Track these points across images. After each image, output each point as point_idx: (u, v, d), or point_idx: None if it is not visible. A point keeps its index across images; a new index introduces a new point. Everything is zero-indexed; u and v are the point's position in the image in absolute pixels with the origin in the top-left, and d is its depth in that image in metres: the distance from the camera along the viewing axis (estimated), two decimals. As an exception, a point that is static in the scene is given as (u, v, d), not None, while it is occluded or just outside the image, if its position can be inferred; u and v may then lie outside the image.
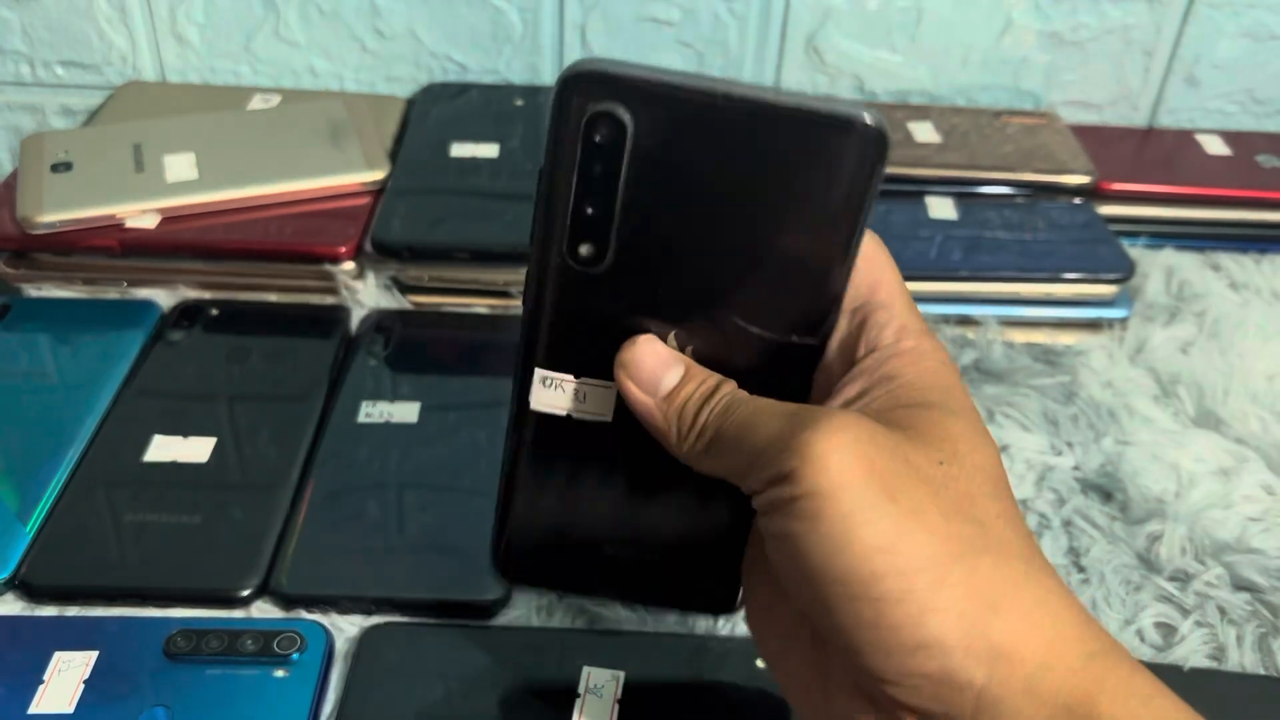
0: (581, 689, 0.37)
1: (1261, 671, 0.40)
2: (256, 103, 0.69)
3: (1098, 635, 0.25)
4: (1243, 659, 0.41)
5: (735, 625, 0.40)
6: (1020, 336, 0.57)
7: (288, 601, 0.41)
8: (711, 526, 0.33)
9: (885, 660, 0.24)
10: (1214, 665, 0.41)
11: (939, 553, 0.24)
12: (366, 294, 0.56)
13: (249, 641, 0.38)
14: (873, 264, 0.29)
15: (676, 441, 0.29)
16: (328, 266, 0.56)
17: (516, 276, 0.56)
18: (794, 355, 0.29)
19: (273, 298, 0.56)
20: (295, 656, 0.38)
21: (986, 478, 0.26)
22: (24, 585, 0.41)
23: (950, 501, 0.25)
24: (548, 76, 0.72)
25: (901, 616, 0.23)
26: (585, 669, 0.38)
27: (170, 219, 0.57)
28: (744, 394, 0.28)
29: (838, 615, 0.24)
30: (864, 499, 0.24)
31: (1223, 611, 0.42)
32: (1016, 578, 0.24)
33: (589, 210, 0.27)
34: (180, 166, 0.59)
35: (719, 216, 0.27)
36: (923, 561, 0.24)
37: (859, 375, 0.28)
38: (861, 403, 0.28)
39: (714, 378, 0.29)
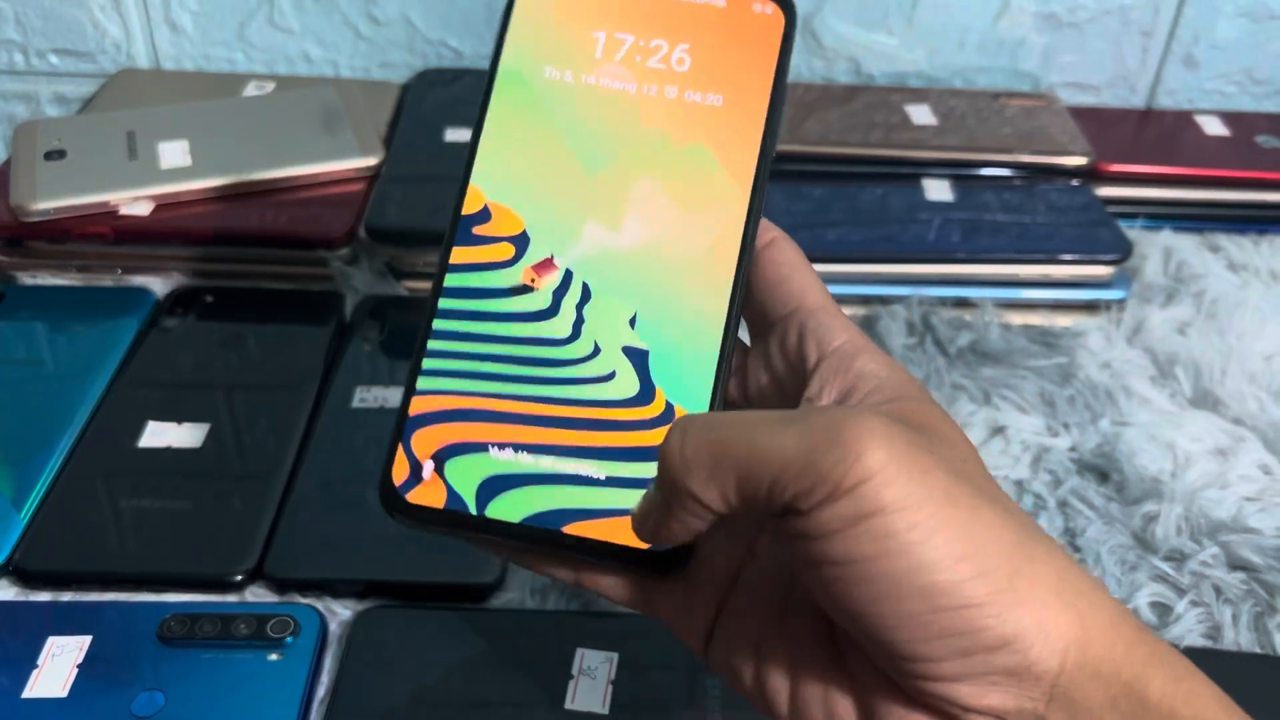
0: (575, 671, 0.37)
1: (1257, 650, 0.40)
2: (251, 90, 0.69)
3: (1132, 616, 0.25)
4: (1238, 638, 0.41)
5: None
6: (1018, 318, 0.57)
7: (281, 585, 0.41)
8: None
9: (965, 664, 0.23)
10: (1210, 644, 0.41)
11: (1005, 546, 0.23)
12: (361, 280, 0.56)
13: (243, 625, 0.38)
14: (796, 271, 0.30)
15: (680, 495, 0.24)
16: (322, 252, 0.56)
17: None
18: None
19: (267, 284, 0.56)
20: (289, 640, 0.38)
21: (986, 468, 0.27)
22: (18, 571, 0.41)
23: (988, 495, 0.24)
24: (543, 61, 0.72)
25: (986, 618, 0.23)
26: (579, 651, 0.38)
27: (164, 206, 0.57)
28: (706, 414, 0.26)
29: (915, 629, 0.23)
30: (930, 509, 0.23)
31: (1218, 591, 0.42)
32: (1065, 563, 0.24)
33: None
34: (174, 153, 0.58)
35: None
36: (998, 559, 0.23)
37: (828, 377, 0.28)
38: (852, 402, 0.27)
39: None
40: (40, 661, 0.37)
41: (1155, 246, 0.61)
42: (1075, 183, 0.63)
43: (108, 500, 0.43)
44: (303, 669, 0.37)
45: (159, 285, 0.56)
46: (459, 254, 0.30)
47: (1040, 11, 0.69)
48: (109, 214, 0.56)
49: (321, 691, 0.37)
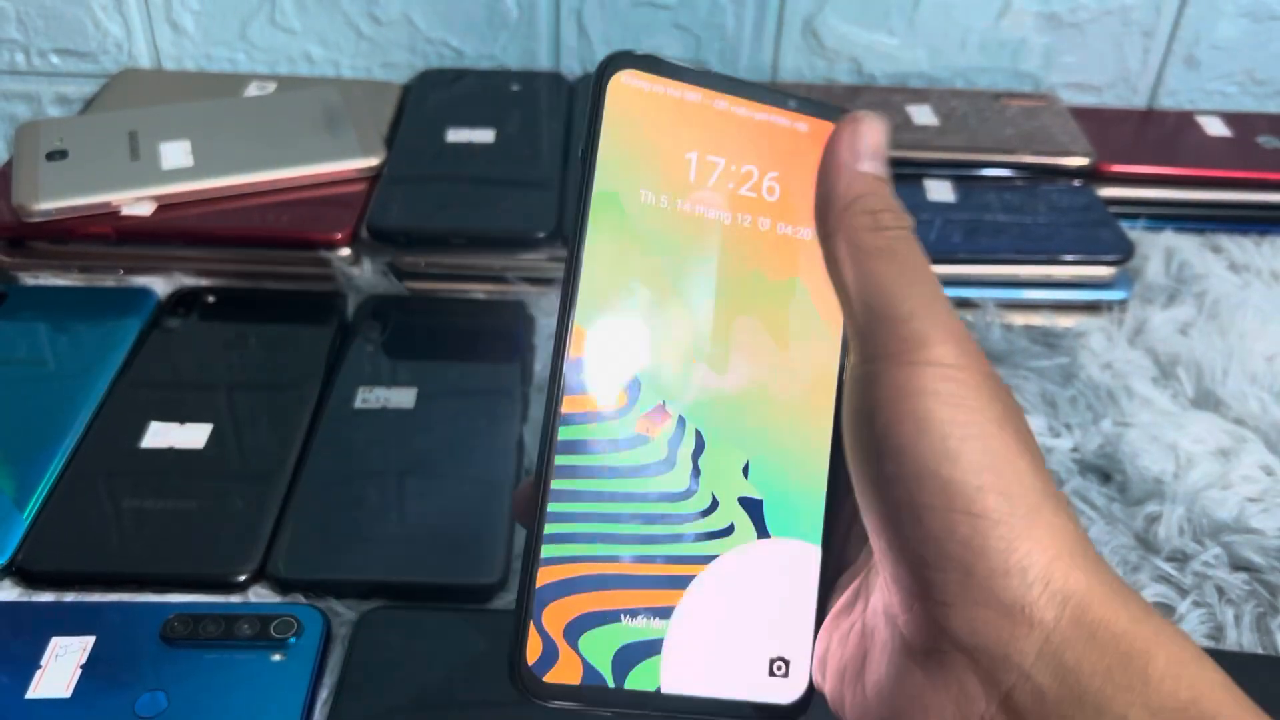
0: (578, 671, 0.37)
1: (1259, 651, 0.40)
2: (252, 90, 0.69)
3: (1142, 599, 0.25)
4: (1240, 639, 0.41)
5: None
6: (1019, 319, 0.57)
7: (284, 586, 0.41)
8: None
9: (965, 583, 0.23)
10: (1212, 645, 0.41)
11: (1034, 487, 0.24)
12: (363, 280, 0.56)
13: (246, 626, 0.38)
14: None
15: (842, 212, 0.26)
16: (324, 253, 0.56)
17: (512, 261, 0.56)
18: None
19: (269, 284, 0.56)
20: (292, 641, 0.38)
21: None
22: (21, 571, 0.41)
23: (1033, 451, 0.25)
24: (544, 61, 0.72)
25: (996, 538, 0.23)
26: (582, 652, 0.38)
27: (166, 206, 0.57)
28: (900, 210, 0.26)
29: (928, 526, 0.23)
30: (976, 418, 0.24)
31: (1221, 591, 0.42)
32: (1082, 533, 0.25)
33: None
34: (176, 154, 0.58)
35: None
36: (1023, 490, 0.24)
37: None
38: None
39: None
40: (44, 662, 0.37)
41: (1157, 247, 0.61)
42: (1077, 183, 0.63)
43: (110, 501, 0.43)
44: (306, 670, 0.37)
45: (161, 285, 0.56)
46: (571, 404, 0.28)
47: (1041, 12, 0.69)
48: (111, 214, 0.56)
49: (325, 692, 0.37)
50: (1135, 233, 0.61)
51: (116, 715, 0.36)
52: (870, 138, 0.27)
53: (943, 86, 0.72)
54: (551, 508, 0.27)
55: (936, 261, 0.56)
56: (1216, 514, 0.45)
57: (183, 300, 0.54)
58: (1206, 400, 0.52)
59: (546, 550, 0.27)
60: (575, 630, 0.27)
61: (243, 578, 0.41)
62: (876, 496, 0.24)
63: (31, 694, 0.36)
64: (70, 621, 0.39)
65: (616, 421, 0.28)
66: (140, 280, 0.56)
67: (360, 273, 0.56)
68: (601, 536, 0.27)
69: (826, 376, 0.30)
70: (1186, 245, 0.62)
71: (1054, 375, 0.52)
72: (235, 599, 0.41)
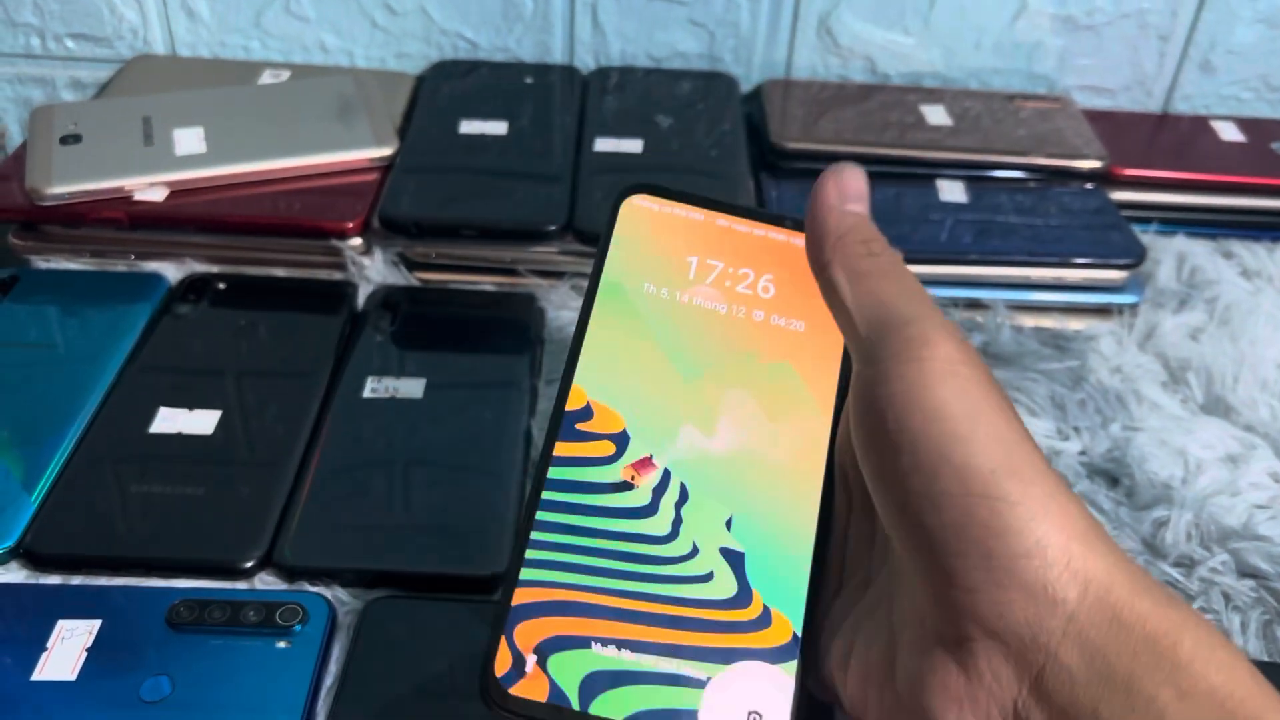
0: (582, 665, 0.37)
1: (1265, 659, 0.40)
2: (266, 78, 0.69)
3: (1164, 585, 0.25)
4: (1247, 646, 0.40)
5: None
6: (1029, 321, 0.57)
7: (291, 573, 0.41)
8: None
9: (987, 566, 0.23)
10: (1217, 651, 0.40)
11: (1045, 471, 0.24)
12: (373, 270, 0.56)
13: (251, 612, 0.38)
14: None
15: (836, 243, 0.28)
16: (335, 242, 0.56)
17: (523, 254, 0.56)
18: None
19: (280, 272, 0.56)
20: (297, 628, 0.38)
21: None
22: (28, 554, 0.41)
23: (1035, 442, 0.26)
24: (558, 55, 0.72)
25: (1014, 520, 0.23)
26: (586, 645, 0.38)
27: (179, 192, 0.57)
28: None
29: (947, 513, 0.24)
30: (987, 403, 0.25)
31: (1227, 598, 0.42)
32: (1096, 521, 0.25)
33: None
34: (189, 140, 0.59)
35: None
36: (1035, 473, 0.24)
37: None
38: None
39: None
40: (49, 644, 0.37)
41: (1168, 252, 0.61)
42: (1089, 186, 0.63)
43: (118, 485, 0.43)
44: (310, 657, 0.38)
45: (172, 271, 0.56)
46: (562, 448, 0.31)
47: (1057, 14, 0.69)
48: (124, 199, 0.56)
49: (329, 680, 0.38)
50: (1147, 237, 0.61)
51: (121, 699, 0.36)
52: (853, 183, 0.30)
53: (957, 87, 0.71)
54: (534, 535, 0.29)
55: (947, 262, 0.57)
56: (1224, 520, 0.45)
57: (193, 286, 0.54)
58: (1216, 406, 0.51)
59: (526, 573, 0.29)
60: (545, 650, 0.28)
61: (249, 564, 0.41)
62: (894, 491, 0.25)
63: (37, 676, 0.36)
64: (76, 605, 0.39)
65: (604, 467, 0.30)
66: (151, 266, 0.56)
67: (371, 262, 0.56)
68: (580, 567, 0.29)
69: (815, 447, 0.32)
70: (1198, 250, 0.61)
71: (1063, 378, 0.52)
72: (241, 585, 0.41)
